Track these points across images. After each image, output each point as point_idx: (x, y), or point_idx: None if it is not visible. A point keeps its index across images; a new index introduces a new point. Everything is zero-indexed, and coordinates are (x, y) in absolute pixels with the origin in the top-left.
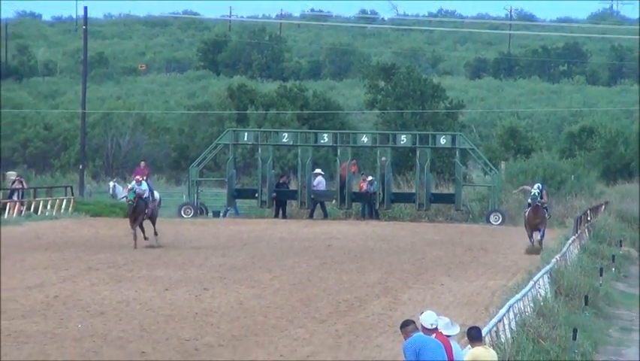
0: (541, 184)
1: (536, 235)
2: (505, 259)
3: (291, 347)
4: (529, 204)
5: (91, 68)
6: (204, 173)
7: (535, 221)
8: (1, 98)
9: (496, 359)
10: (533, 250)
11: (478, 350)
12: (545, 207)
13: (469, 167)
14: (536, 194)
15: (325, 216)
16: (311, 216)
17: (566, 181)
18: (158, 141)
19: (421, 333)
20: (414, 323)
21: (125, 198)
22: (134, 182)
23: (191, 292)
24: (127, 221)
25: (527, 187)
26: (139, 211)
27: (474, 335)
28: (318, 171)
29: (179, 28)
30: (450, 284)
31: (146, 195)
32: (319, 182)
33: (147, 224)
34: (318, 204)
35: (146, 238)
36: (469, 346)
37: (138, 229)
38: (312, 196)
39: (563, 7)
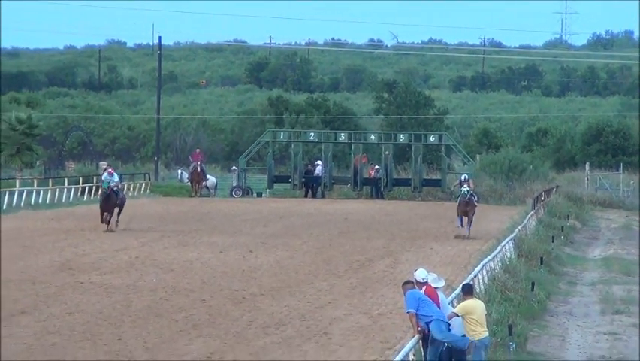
0: (467, 175)
1: (465, 221)
2: (479, 229)
3: (316, 295)
4: (460, 196)
5: (164, 82)
6: (250, 163)
7: (467, 209)
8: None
9: (483, 307)
10: (461, 235)
11: (470, 301)
12: (473, 194)
13: (452, 159)
14: (465, 192)
15: (314, 195)
16: (313, 195)
17: (525, 170)
18: (215, 138)
19: (416, 290)
20: (412, 282)
21: (111, 186)
22: (106, 174)
23: (239, 254)
24: (190, 199)
25: (457, 184)
26: (111, 203)
27: (467, 290)
28: (318, 162)
29: (231, 52)
30: (437, 248)
31: (118, 187)
32: (319, 170)
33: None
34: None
35: (109, 222)
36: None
37: (106, 217)
38: (302, 181)
39: (524, 36)
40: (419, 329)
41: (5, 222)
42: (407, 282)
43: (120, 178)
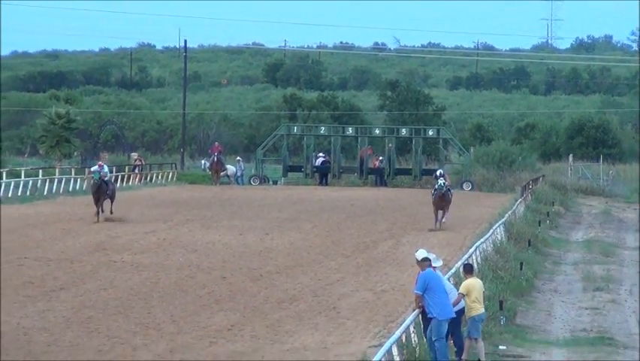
0: (442, 170)
1: (440, 215)
2: (472, 214)
3: (326, 274)
4: (436, 190)
5: (189, 82)
6: (266, 154)
7: (442, 204)
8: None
9: (482, 285)
10: (437, 228)
11: (470, 280)
12: (449, 189)
13: (449, 151)
14: (442, 185)
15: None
16: (320, 183)
17: (515, 161)
18: (235, 132)
19: (431, 269)
20: (429, 260)
21: (95, 176)
22: (96, 166)
23: (257, 236)
24: (212, 187)
25: (433, 178)
26: (101, 192)
27: (468, 269)
28: (321, 154)
29: (249, 54)
30: (435, 231)
31: (107, 177)
32: (322, 161)
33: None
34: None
35: (102, 212)
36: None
37: (99, 207)
38: (314, 170)
39: (514, 40)
40: (420, 304)
41: (46, 208)
42: (425, 259)
43: (111, 170)
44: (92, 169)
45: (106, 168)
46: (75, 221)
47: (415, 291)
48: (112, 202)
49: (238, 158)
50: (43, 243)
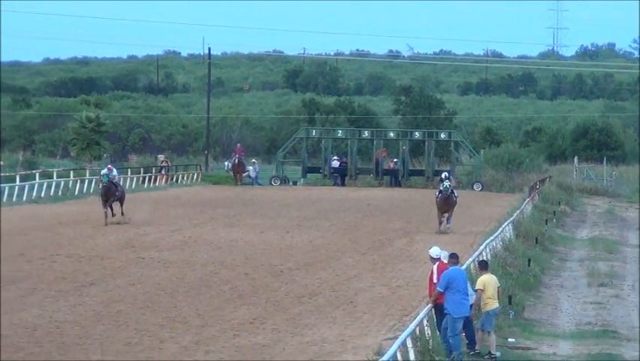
0: (448, 172)
1: (444, 218)
2: (483, 213)
3: (343, 270)
4: (441, 192)
5: (212, 87)
6: (286, 156)
7: (446, 208)
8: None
9: (496, 280)
10: (441, 231)
11: (485, 276)
12: (453, 191)
13: (460, 153)
14: (447, 186)
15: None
16: (335, 184)
17: (523, 162)
18: (256, 135)
19: (457, 268)
20: (454, 258)
21: (100, 180)
22: (105, 169)
23: (278, 234)
24: (235, 187)
25: (438, 180)
26: (110, 194)
27: (483, 265)
28: (335, 157)
29: (270, 61)
30: (450, 227)
31: (116, 180)
32: (339, 163)
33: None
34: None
35: (113, 215)
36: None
37: (108, 209)
38: (331, 171)
39: (522, 48)
40: (432, 299)
41: (77, 207)
42: (452, 256)
43: (119, 172)
44: (102, 172)
45: (115, 171)
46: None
47: (437, 288)
48: (121, 204)
49: (253, 160)
50: (74, 240)
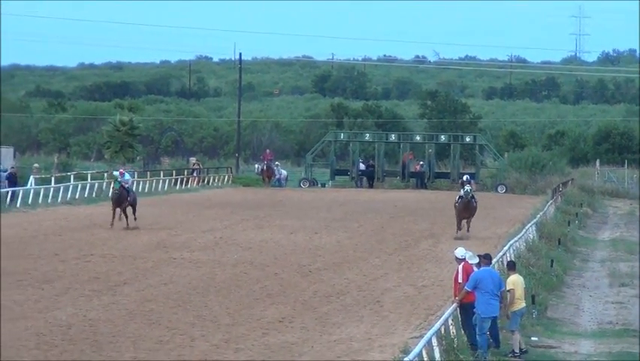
0: (469, 176)
1: (464, 224)
2: (507, 215)
3: (370, 270)
4: (461, 197)
5: (243, 91)
6: (315, 159)
7: (466, 214)
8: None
9: (523, 281)
10: (460, 236)
11: (513, 277)
12: (473, 196)
13: (485, 156)
14: (468, 190)
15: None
16: (358, 185)
17: (546, 165)
18: (286, 138)
19: (489, 268)
20: (486, 259)
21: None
22: (117, 173)
23: (306, 235)
24: (268, 189)
25: (459, 183)
26: (122, 199)
27: (511, 266)
28: (361, 160)
29: (299, 66)
30: (471, 230)
31: (128, 185)
32: (366, 166)
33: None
34: (365, 178)
35: (127, 221)
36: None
37: (120, 213)
38: (359, 173)
39: (545, 54)
40: (457, 299)
41: (110, 208)
42: (486, 256)
43: (133, 175)
44: (114, 173)
45: (127, 176)
46: (138, 221)
47: (465, 287)
48: (134, 209)
49: (277, 163)
50: (108, 241)
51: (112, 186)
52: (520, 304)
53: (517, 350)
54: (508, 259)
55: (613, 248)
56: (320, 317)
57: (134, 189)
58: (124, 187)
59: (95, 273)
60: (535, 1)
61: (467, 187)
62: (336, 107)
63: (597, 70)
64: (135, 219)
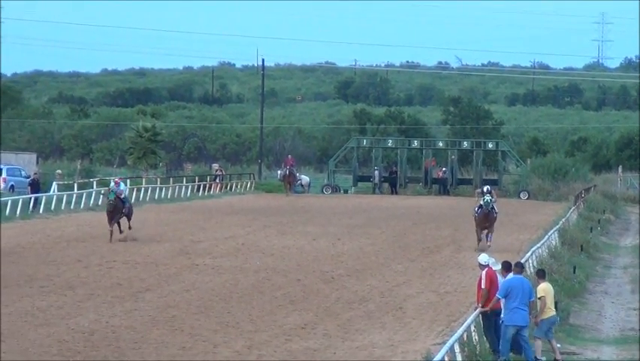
0: (490, 185)
1: (484, 234)
2: (529, 221)
3: (392, 276)
4: (481, 207)
5: (266, 98)
6: (338, 165)
7: (485, 225)
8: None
9: (552, 289)
10: (481, 248)
11: (543, 285)
12: (493, 207)
13: (507, 162)
14: (488, 201)
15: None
16: (375, 192)
17: (568, 172)
18: (309, 144)
19: (520, 276)
20: (518, 267)
21: (107, 197)
22: (112, 183)
23: (329, 241)
24: (288, 196)
25: (479, 190)
26: (117, 210)
27: (540, 274)
28: (376, 167)
29: (322, 72)
30: (494, 237)
31: (123, 195)
32: (389, 172)
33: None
34: (388, 183)
35: (121, 232)
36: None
37: (115, 225)
38: (382, 180)
39: (568, 60)
40: (479, 305)
41: (134, 215)
42: (517, 265)
43: (127, 184)
44: (110, 186)
45: (122, 186)
46: (160, 227)
47: (497, 295)
48: (129, 220)
49: (300, 175)
50: (130, 247)
51: (107, 196)
52: (551, 312)
53: (540, 358)
54: (534, 266)
55: (635, 255)
56: (342, 324)
57: (136, 191)
58: (119, 198)
59: (117, 279)
60: (558, 7)
61: (487, 197)
62: (359, 114)
63: (620, 76)
64: (130, 228)
